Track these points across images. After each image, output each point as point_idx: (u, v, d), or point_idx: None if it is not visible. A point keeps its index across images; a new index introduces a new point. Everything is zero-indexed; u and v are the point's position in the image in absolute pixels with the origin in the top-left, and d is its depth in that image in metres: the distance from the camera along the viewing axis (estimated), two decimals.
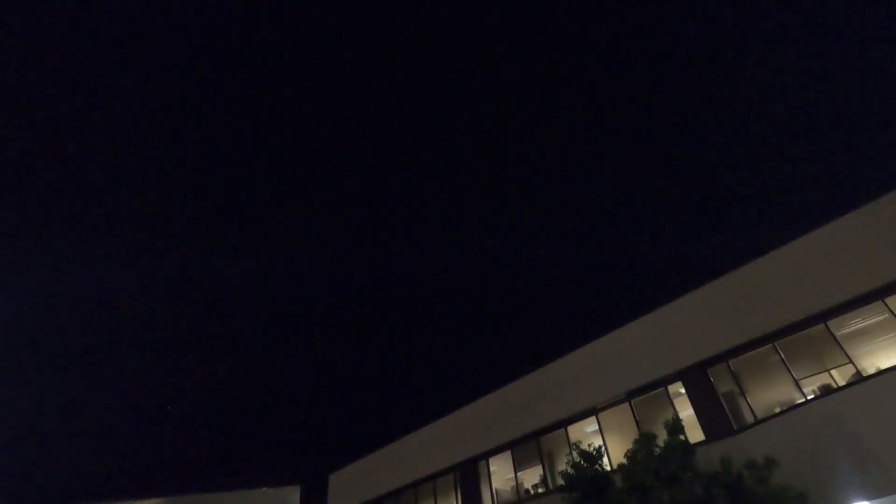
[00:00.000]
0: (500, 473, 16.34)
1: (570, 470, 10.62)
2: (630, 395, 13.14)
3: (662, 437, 9.63)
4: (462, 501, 16.28)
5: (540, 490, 14.55)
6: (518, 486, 15.45)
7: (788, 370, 10.96)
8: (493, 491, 15.92)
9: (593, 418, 13.87)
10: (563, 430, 14.34)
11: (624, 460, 9.79)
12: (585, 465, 10.57)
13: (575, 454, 10.84)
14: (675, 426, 9.50)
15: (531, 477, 15.40)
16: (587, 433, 14.09)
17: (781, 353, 11.17)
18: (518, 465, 15.50)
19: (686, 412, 12.18)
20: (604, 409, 13.70)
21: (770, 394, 12.12)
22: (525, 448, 15.39)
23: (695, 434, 11.56)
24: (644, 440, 9.35)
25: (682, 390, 12.42)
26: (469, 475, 16.41)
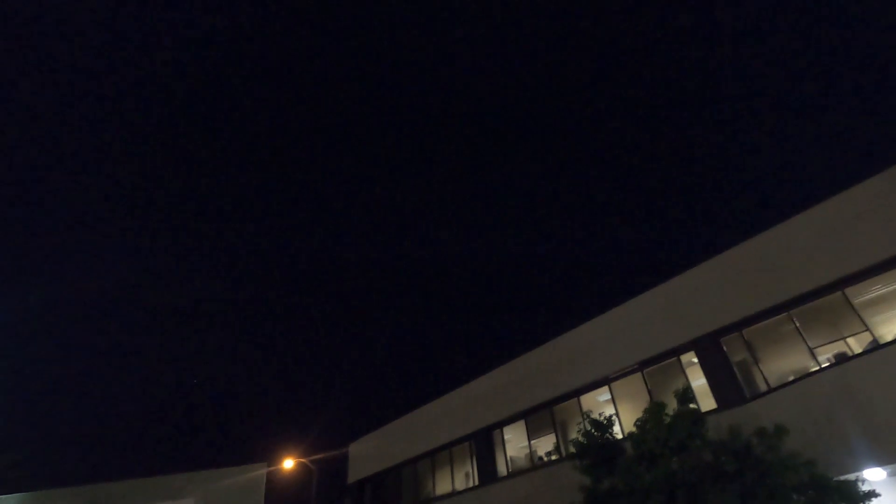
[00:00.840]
0: (515, 442, 16.73)
1: (581, 438, 10.84)
2: (642, 365, 13.20)
3: (673, 406, 9.71)
4: (478, 468, 16.77)
5: (553, 457, 14.88)
6: (532, 453, 15.82)
7: (803, 339, 10.86)
8: (508, 458, 16.33)
9: (606, 388, 14.02)
10: (575, 399, 14.54)
11: (634, 429, 9.92)
12: (596, 433, 10.76)
13: (586, 423, 11.04)
14: (686, 395, 9.56)
15: (545, 445, 15.73)
16: (599, 402, 14.28)
17: (797, 321, 11.05)
18: (532, 434, 15.82)
19: (698, 381, 12.23)
20: (616, 378, 13.82)
21: (784, 362, 12.06)
22: (539, 417, 15.68)
23: (707, 403, 11.63)
24: (654, 409, 9.44)
25: (695, 360, 12.43)
26: (484, 443, 16.84)
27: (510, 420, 16.35)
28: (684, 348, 12.53)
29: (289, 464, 21.46)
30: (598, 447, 10.53)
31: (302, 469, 22.28)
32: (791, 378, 10.97)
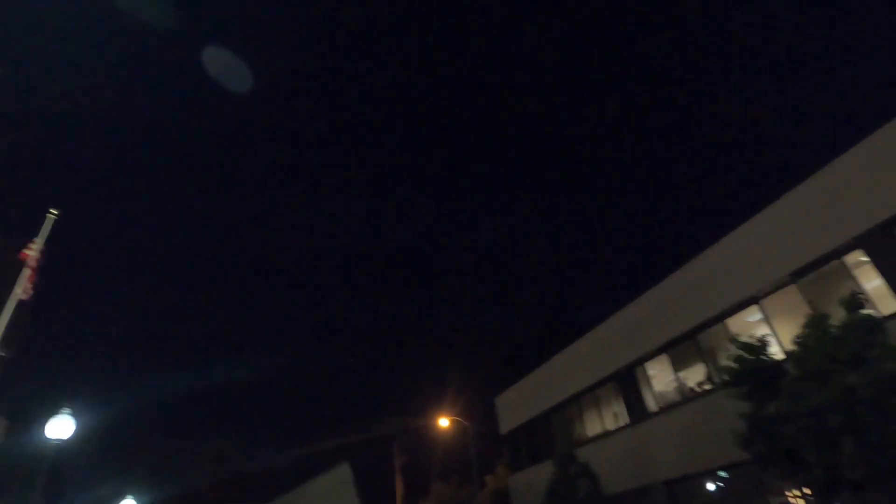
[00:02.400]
0: (660, 376, 16.00)
1: (734, 364, 10.00)
2: (796, 276, 11.59)
3: (841, 316, 8.42)
4: (626, 407, 16.45)
5: (706, 387, 13.97)
6: (681, 386, 15.03)
7: None
8: (656, 394, 15.74)
9: (755, 307, 12.63)
10: (721, 324, 13.36)
11: (794, 347, 8.85)
12: (750, 357, 9.82)
13: (737, 347, 10.13)
14: (855, 301, 8.20)
15: (693, 376, 14.81)
16: (750, 324, 12.93)
17: None
18: (677, 367, 15.00)
19: (873, 283, 10.41)
20: (766, 295, 12.35)
21: None
22: (682, 349, 14.76)
23: (888, 305, 9.88)
24: (815, 323, 8.29)
25: (865, 258, 10.55)
26: (628, 382, 16.41)
27: (651, 355, 15.65)
28: (848, 247, 10.69)
29: (443, 422, 23.21)
30: (754, 371, 9.63)
31: (455, 426, 23.96)
32: None
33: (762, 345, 9.82)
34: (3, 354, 14.96)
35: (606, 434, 17.32)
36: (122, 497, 22.53)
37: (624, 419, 16.65)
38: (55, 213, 12.61)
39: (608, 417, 17.85)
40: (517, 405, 22.83)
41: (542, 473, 17.63)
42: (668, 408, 14.93)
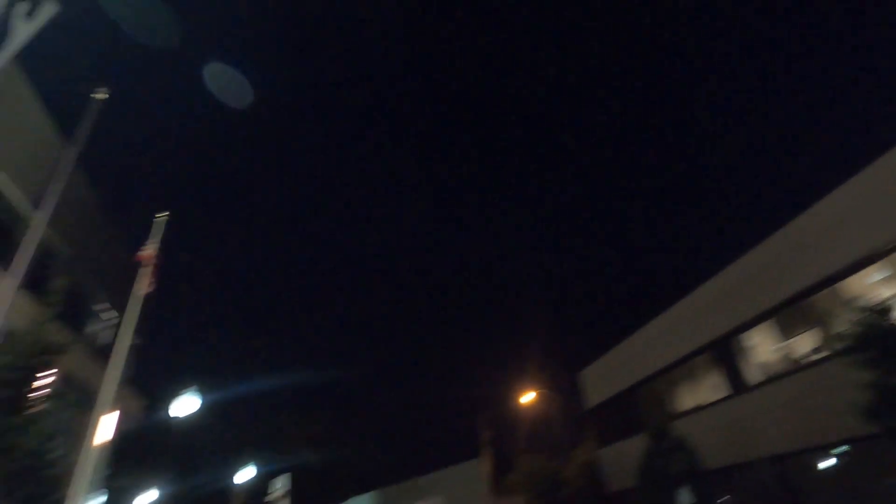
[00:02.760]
0: (763, 345, 14.84)
1: (855, 329, 9.03)
2: None
3: None
4: (725, 379, 15.50)
5: (821, 355, 12.75)
6: (788, 355, 13.85)
7: None
8: (758, 364, 14.64)
9: (878, 265, 11.23)
10: (836, 285, 12.05)
11: None
12: (878, 320, 8.81)
13: (860, 311, 9.12)
14: None
15: (801, 344, 13.57)
16: (870, 284, 11.54)
17: None
18: (783, 334, 13.82)
19: None
20: (891, 251, 10.93)
21: None
22: (788, 314, 13.53)
23: None
24: None
25: None
26: (725, 352, 15.40)
27: (753, 323, 14.51)
28: None
29: (527, 397, 23.27)
30: (883, 336, 8.64)
31: (539, 400, 23.93)
32: None
33: (888, 308, 8.76)
34: (136, 342, 17.06)
35: (702, 407, 16.46)
36: (245, 465, 25.13)
37: (722, 391, 15.71)
38: (164, 215, 13.99)
39: (703, 390, 16.93)
40: (602, 379, 22.34)
41: (633, 448, 17.20)
42: (773, 378, 13.85)
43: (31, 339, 7.11)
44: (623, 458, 19.15)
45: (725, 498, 14.78)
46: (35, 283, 12.82)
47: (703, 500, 13.95)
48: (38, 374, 6.97)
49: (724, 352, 15.44)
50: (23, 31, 1.27)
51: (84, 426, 15.71)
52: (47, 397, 7.06)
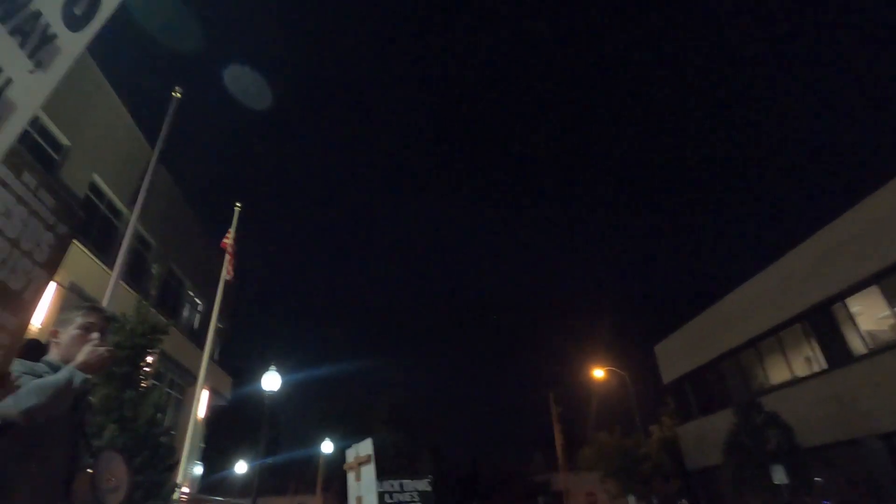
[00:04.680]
0: (868, 312, 13.39)
1: None
2: None
3: None
4: (822, 351, 14.22)
5: None
6: None
7: None
8: (864, 334, 13.25)
9: None
10: None
11: None
12: None
13: None
14: None
15: None
16: None
17: None
18: (894, 300, 12.37)
19: None
20: None
21: None
22: None
23: None
24: None
25: None
26: (823, 321, 14.08)
27: (856, 288, 13.11)
28: None
29: (598, 373, 22.70)
30: None
31: (612, 376, 23.26)
32: None
33: None
34: (220, 326, 18.32)
35: (796, 381, 15.22)
36: (322, 440, 26.63)
37: (819, 364, 14.44)
38: (239, 205, 14.74)
39: (797, 362, 15.64)
40: (680, 353, 21.28)
41: (717, 423, 16.30)
42: (882, 349, 12.49)
43: (137, 319, 7.76)
44: (705, 434, 18.24)
45: (819, 479, 13.69)
46: (132, 272, 14.05)
47: (799, 478, 12.99)
48: (146, 352, 7.62)
49: (821, 321, 14.13)
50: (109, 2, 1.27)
51: (184, 401, 17.23)
52: (153, 374, 7.71)
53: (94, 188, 13.03)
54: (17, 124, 1.27)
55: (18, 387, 1.61)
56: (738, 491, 14.21)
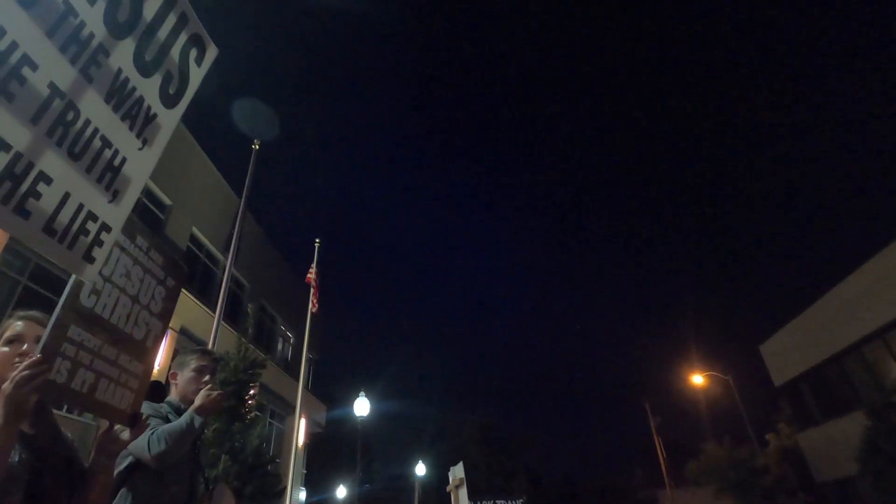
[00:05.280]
0: None
1: None
2: None
3: None
4: None
5: None
6: None
7: None
8: None
9: None
10: None
11: None
12: None
13: None
14: None
15: None
16: None
17: None
18: None
19: None
20: None
21: None
22: None
23: None
24: None
25: None
26: None
27: None
28: None
29: (698, 379, 21.09)
30: None
31: (713, 381, 21.49)
32: None
33: None
34: (311, 356, 19.33)
35: None
36: (414, 461, 26.98)
37: None
38: (318, 241, 15.62)
39: None
40: (791, 351, 19.23)
41: (846, 428, 14.45)
42: None
43: (239, 357, 8.43)
44: (834, 440, 16.21)
45: None
46: (231, 312, 15.29)
47: None
48: (249, 386, 8.23)
49: None
50: (196, 75, 1.46)
51: (284, 431, 18.27)
52: (256, 406, 8.29)
53: (194, 240, 14.47)
54: (132, 195, 1.47)
55: (148, 425, 1.81)
56: (884, 503, 12.40)
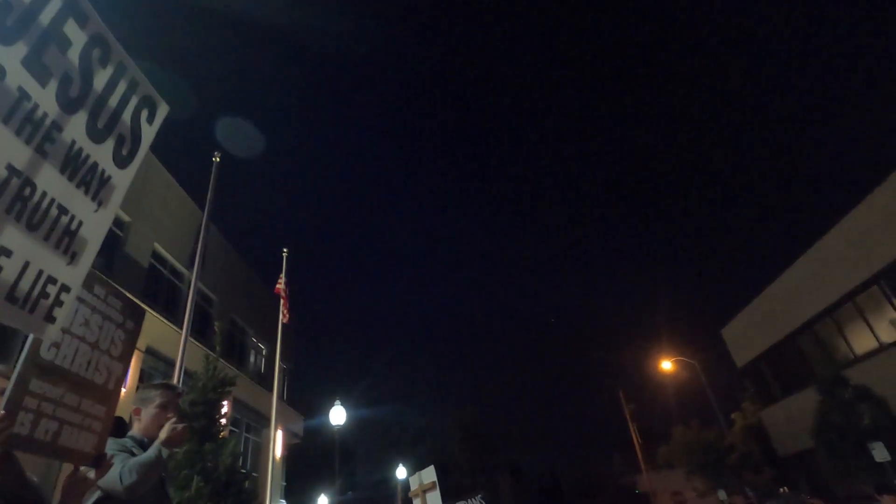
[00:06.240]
0: None
1: None
2: None
3: None
4: None
5: None
6: None
7: None
8: None
9: None
10: None
11: None
12: None
13: None
14: None
15: None
16: None
17: None
18: None
19: None
20: None
21: None
22: None
23: None
24: None
25: None
26: None
27: None
28: None
29: (666, 365, 21.87)
30: None
31: (680, 366, 22.32)
32: None
33: None
34: (285, 366, 19.13)
35: (883, 348, 14.11)
36: (396, 465, 27.02)
37: None
38: (286, 251, 15.47)
39: (882, 328, 14.50)
40: (750, 334, 20.19)
41: (803, 403, 15.31)
42: None
43: (207, 376, 8.35)
44: (793, 416, 17.13)
45: None
46: (198, 328, 15.01)
47: None
48: (219, 405, 8.16)
49: None
50: (148, 133, 1.54)
51: (260, 444, 18.03)
52: (228, 423, 8.25)
53: (156, 255, 14.14)
54: (90, 255, 1.56)
55: (112, 464, 1.90)
56: (839, 473, 13.23)
